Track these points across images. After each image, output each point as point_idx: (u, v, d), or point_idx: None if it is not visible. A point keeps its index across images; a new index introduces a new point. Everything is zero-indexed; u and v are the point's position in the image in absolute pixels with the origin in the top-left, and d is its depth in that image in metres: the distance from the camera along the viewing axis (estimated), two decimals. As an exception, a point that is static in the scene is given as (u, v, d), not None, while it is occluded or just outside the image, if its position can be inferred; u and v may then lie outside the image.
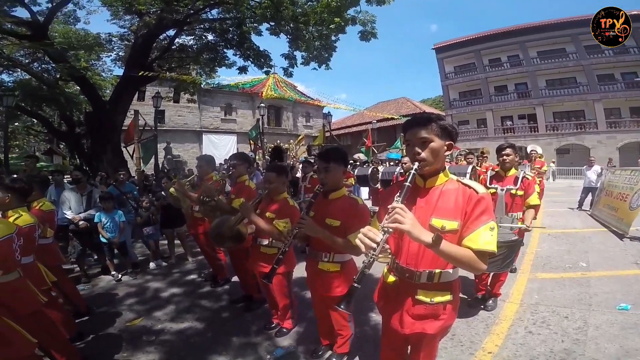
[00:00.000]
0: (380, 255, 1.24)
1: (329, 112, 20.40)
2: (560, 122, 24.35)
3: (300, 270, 2.80)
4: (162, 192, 5.77)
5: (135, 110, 9.84)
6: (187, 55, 12.02)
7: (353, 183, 6.25)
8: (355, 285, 1.26)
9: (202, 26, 11.04)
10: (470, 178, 4.48)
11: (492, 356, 2.54)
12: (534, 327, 2.94)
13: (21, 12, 9.29)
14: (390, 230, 1.24)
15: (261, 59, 11.08)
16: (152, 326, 3.22)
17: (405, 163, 5.89)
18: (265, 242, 2.79)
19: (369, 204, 7.40)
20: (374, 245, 1.22)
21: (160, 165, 12.28)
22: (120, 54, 12.82)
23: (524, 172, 3.43)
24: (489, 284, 3.41)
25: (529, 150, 8.73)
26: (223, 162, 12.89)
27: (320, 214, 2.17)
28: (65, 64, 9.54)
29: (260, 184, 4.35)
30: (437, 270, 1.43)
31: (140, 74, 9.57)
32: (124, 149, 10.79)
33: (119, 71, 13.61)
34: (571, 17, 23.42)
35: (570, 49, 23.55)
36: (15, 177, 2.86)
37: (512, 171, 3.43)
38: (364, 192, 8.20)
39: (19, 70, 11.62)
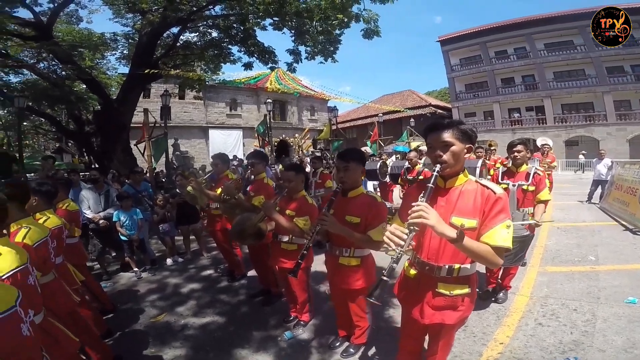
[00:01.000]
0: (399, 250, 1.32)
1: (334, 105, 20.33)
2: (568, 114, 24.08)
3: (315, 265, 2.88)
4: (177, 190, 5.88)
5: (145, 109, 9.94)
6: (191, 52, 12.05)
7: (362, 178, 6.27)
8: (385, 278, 1.34)
9: (205, 23, 11.02)
10: (480, 172, 4.52)
11: (504, 347, 2.62)
12: (543, 319, 3.01)
13: (23, 14, 9.39)
14: (417, 228, 1.33)
15: (266, 55, 11.09)
16: (176, 322, 3.31)
17: (411, 159, 5.94)
18: (286, 238, 2.87)
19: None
20: (402, 242, 1.32)
21: (170, 162, 12.40)
22: (124, 52, 12.88)
23: (535, 168, 3.46)
24: (499, 277, 3.47)
25: (539, 143, 8.64)
26: (231, 159, 12.97)
27: (339, 211, 2.25)
28: (73, 65, 9.63)
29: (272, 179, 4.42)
30: (457, 265, 1.53)
31: (146, 72, 9.64)
32: (133, 147, 10.93)
33: (124, 69, 13.71)
34: (579, 9, 22.97)
35: (578, 41, 23.14)
36: (41, 181, 2.88)
37: (524, 167, 3.47)
38: (369, 185, 8.22)
39: (25, 71, 11.71)
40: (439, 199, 1.53)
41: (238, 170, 6.49)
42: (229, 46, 11.61)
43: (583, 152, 19.61)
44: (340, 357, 2.57)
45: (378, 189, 7.46)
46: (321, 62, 10.39)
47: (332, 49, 10.10)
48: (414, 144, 16.09)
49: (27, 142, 21.82)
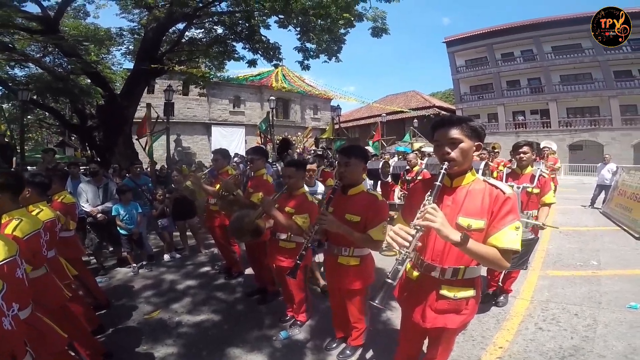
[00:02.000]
0: (405, 251, 1.28)
1: (337, 105, 20.30)
2: (573, 118, 23.86)
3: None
4: (172, 185, 5.83)
5: (148, 104, 9.94)
6: (196, 48, 12.04)
7: (365, 177, 6.23)
8: (389, 281, 1.30)
9: (211, 19, 11.03)
10: (483, 174, 4.47)
11: (503, 351, 2.58)
12: (544, 323, 2.98)
13: (31, 8, 9.40)
14: (423, 228, 1.29)
15: (270, 52, 11.06)
16: (169, 319, 3.28)
17: (410, 160, 5.91)
18: (284, 236, 2.83)
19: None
20: (407, 243, 1.28)
21: (172, 157, 12.41)
22: (130, 47, 12.92)
23: (541, 170, 3.41)
24: (500, 280, 3.43)
25: (542, 146, 8.60)
26: (232, 155, 12.95)
27: (339, 209, 2.21)
28: (78, 59, 9.64)
29: (272, 177, 4.39)
30: (462, 267, 1.49)
31: (151, 67, 9.63)
32: (135, 142, 10.93)
33: (129, 64, 13.75)
34: (588, 12, 22.72)
35: (587, 45, 22.80)
36: (34, 172, 2.81)
37: (529, 169, 3.41)
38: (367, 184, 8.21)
39: (30, 64, 11.75)
40: (445, 198, 1.48)
41: (239, 167, 6.47)
42: (234, 43, 11.61)
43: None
44: (336, 358, 2.54)
45: (371, 188, 7.43)
46: (325, 61, 10.39)
47: (336, 48, 10.09)
48: (416, 145, 16.04)
49: (31, 135, 21.93)
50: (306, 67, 10.56)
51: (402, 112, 24.83)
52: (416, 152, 7.26)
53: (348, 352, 2.54)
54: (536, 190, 3.30)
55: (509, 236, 1.35)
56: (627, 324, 2.89)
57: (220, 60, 12.61)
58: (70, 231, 3.13)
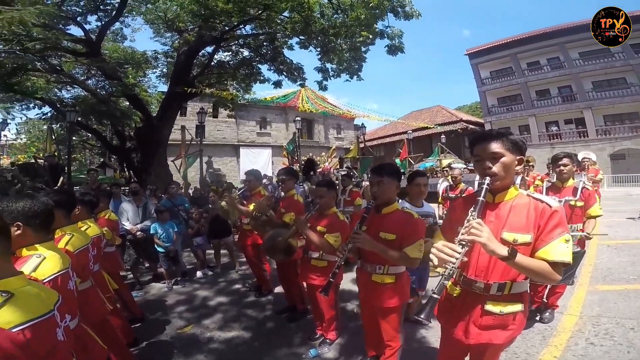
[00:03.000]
0: (451, 266, 1.28)
1: (362, 123, 20.36)
2: (612, 125, 22.60)
3: (343, 283, 2.83)
4: (209, 205, 6.03)
5: (182, 126, 10.41)
6: (225, 71, 12.62)
7: (360, 203, 6.10)
8: (435, 296, 1.30)
9: (237, 42, 11.57)
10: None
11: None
12: (595, 338, 2.80)
13: (75, 31, 10.08)
14: (469, 244, 1.30)
15: (294, 73, 11.42)
16: (201, 334, 3.34)
17: (455, 176, 5.67)
18: (316, 255, 2.85)
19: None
20: (453, 259, 1.28)
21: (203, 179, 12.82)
22: (164, 70, 13.62)
23: (584, 183, 3.25)
24: (545, 295, 3.27)
25: (580, 157, 8.15)
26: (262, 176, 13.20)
27: (373, 227, 2.20)
28: (119, 81, 10.28)
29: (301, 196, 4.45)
30: (509, 282, 1.45)
31: (184, 90, 10.16)
32: (171, 163, 11.41)
33: (163, 87, 14.50)
34: None
35: (616, 49, 21.58)
36: (84, 191, 3.10)
37: (570, 182, 3.27)
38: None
39: (76, 86, 12.46)
40: (487, 214, 1.46)
41: (268, 188, 6.61)
42: (259, 65, 12.09)
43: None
44: None
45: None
46: (347, 80, 10.54)
47: (357, 66, 10.26)
48: (445, 162, 15.69)
49: (75, 155, 23.46)
50: (324, 88, 10.79)
51: (428, 128, 24.49)
52: (446, 169, 7.03)
53: None
54: (580, 204, 3.15)
55: (559, 249, 1.33)
56: None
57: (247, 82, 13.15)
58: (112, 246, 3.34)
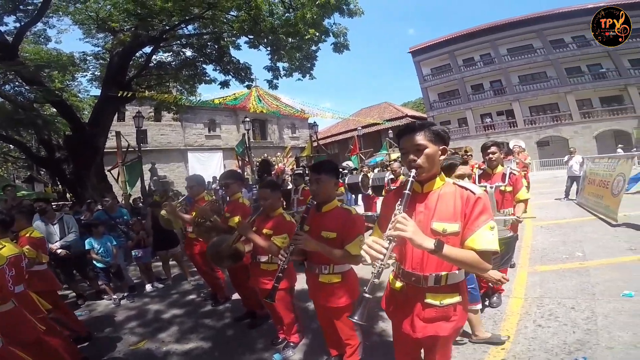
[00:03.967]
0: (379, 264, 1.26)
1: (314, 122, 20.48)
2: (537, 115, 25.13)
3: (300, 283, 2.79)
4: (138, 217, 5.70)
5: (117, 132, 9.66)
6: (165, 72, 11.93)
7: (343, 192, 6.25)
8: (367, 295, 1.26)
9: (179, 42, 11.00)
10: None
11: (506, 352, 2.52)
12: (542, 320, 2.94)
13: None
14: (395, 239, 1.27)
15: (242, 73, 11.10)
16: (157, 349, 3.16)
17: (395, 170, 5.94)
18: (264, 258, 2.78)
19: (361, 209, 7.41)
20: (381, 256, 1.25)
21: (148, 188, 12.00)
22: (96, 73, 12.57)
23: (511, 168, 3.49)
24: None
25: (511, 145, 8.92)
26: (211, 180, 12.68)
27: (315, 227, 2.17)
28: (40, 87, 9.29)
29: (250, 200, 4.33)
30: (444, 273, 1.45)
31: (119, 94, 9.41)
32: (108, 173, 10.53)
33: (96, 91, 13.36)
34: (535, 13, 24.44)
35: (537, 45, 24.44)
36: None
37: (499, 168, 3.49)
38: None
39: None
40: (417, 205, 1.46)
41: (220, 192, 6.36)
42: (204, 65, 11.58)
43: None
44: None
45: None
46: (299, 79, 10.49)
47: (308, 65, 10.22)
48: (394, 155, 16.33)
49: (-6, 170, 20.69)
50: (274, 87, 10.64)
51: (377, 124, 25.31)
52: (397, 160, 7.33)
53: None
54: (509, 188, 3.37)
55: (485, 237, 1.33)
56: (627, 314, 2.85)
57: (191, 83, 12.53)
58: (43, 264, 3.15)
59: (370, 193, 6.86)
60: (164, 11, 8.29)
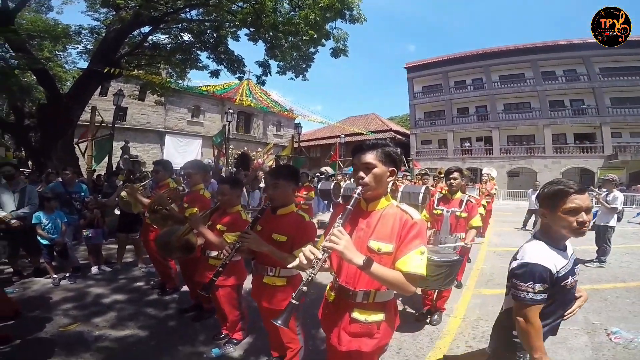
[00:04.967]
0: (309, 272, 1.30)
1: (299, 122, 20.45)
2: (512, 145, 25.96)
3: (248, 281, 2.77)
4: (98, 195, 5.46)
5: (93, 107, 9.35)
6: (158, 54, 11.64)
7: (313, 196, 6.30)
8: (294, 302, 1.29)
9: (179, 26, 10.79)
10: (424, 197, 4.69)
11: (434, 371, 2.59)
12: (473, 341, 3.05)
13: None
14: (329, 250, 1.31)
15: (235, 64, 10.98)
16: (89, 332, 3.05)
17: (399, 179, 5.94)
18: (214, 254, 2.76)
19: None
20: (311, 264, 1.30)
21: (116, 166, 11.64)
22: (88, 47, 12.19)
23: (469, 196, 3.64)
24: (434, 299, 3.54)
25: (484, 172, 9.30)
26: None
27: (267, 228, 2.20)
28: (25, 54, 8.89)
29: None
30: (373, 290, 1.49)
31: (105, 70, 9.11)
32: (76, 146, 10.16)
33: (84, 64, 12.94)
34: (532, 43, 25.20)
35: (529, 75, 25.20)
36: None
37: (458, 194, 3.65)
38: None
39: None
40: (360, 221, 1.51)
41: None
42: (198, 52, 11.39)
43: (537, 182, 19.89)
44: None
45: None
46: (291, 79, 10.44)
47: (304, 66, 10.20)
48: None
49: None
50: (262, 82, 10.59)
51: (361, 134, 25.58)
52: None
53: None
54: (464, 215, 3.53)
55: (414, 261, 1.36)
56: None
57: (182, 67, 12.28)
58: None
59: (340, 202, 6.94)
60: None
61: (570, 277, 1.58)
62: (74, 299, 3.82)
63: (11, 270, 4.46)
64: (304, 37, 8.51)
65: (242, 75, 11.39)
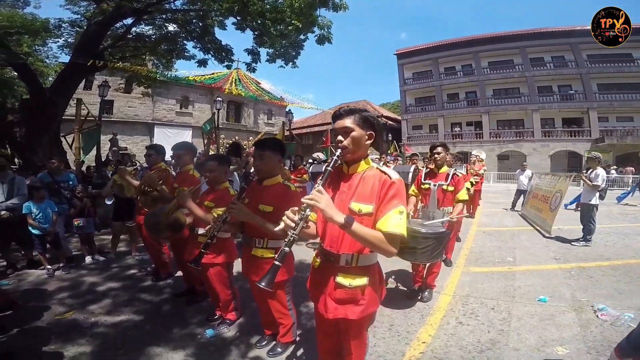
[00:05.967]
0: (291, 232, 1.32)
1: (289, 110, 20.31)
2: (502, 129, 26.40)
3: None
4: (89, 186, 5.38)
5: (78, 99, 9.16)
6: (143, 45, 11.36)
7: (307, 179, 6.36)
8: (277, 263, 1.32)
9: (163, 16, 10.49)
10: (412, 177, 4.76)
11: (426, 346, 2.63)
12: (464, 317, 3.11)
13: None
14: (309, 210, 1.33)
15: (222, 53, 10.79)
16: (84, 319, 3.07)
17: (389, 162, 5.94)
18: (202, 231, 2.74)
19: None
20: (293, 224, 1.31)
21: (104, 157, 11.49)
22: (69, 40, 11.82)
23: (455, 170, 3.71)
24: (424, 275, 3.60)
25: (473, 153, 9.42)
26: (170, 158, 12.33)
27: (254, 200, 2.22)
28: (4, 50, 8.62)
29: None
30: (355, 254, 1.51)
31: (89, 63, 8.89)
32: (63, 139, 9.98)
33: (66, 58, 12.57)
34: (521, 30, 25.40)
35: (518, 61, 25.54)
36: None
37: (444, 169, 3.71)
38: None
39: None
40: (342, 184, 1.55)
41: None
42: (185, 42, 11.14)
43: (524, 163, 20.17)
44: (267, 356, 2.46)
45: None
46: (281, 66, 10.32)
47: (293, 53, 10.09)
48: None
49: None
50: (252, 69, 10.47)
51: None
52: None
53: (279, 349, 2.48)
54: (450, 188, 3.60)
55: (393, 220, 1.37)
56: (538, 317, 3.06)
57: (168, 58, 12.03)
58: None
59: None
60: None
61: None
62: (69, 289, 3.83)
63: (5, 263, 4.44)
64: (289, 27, 8.41)
65: (230, 64, 11.23)
